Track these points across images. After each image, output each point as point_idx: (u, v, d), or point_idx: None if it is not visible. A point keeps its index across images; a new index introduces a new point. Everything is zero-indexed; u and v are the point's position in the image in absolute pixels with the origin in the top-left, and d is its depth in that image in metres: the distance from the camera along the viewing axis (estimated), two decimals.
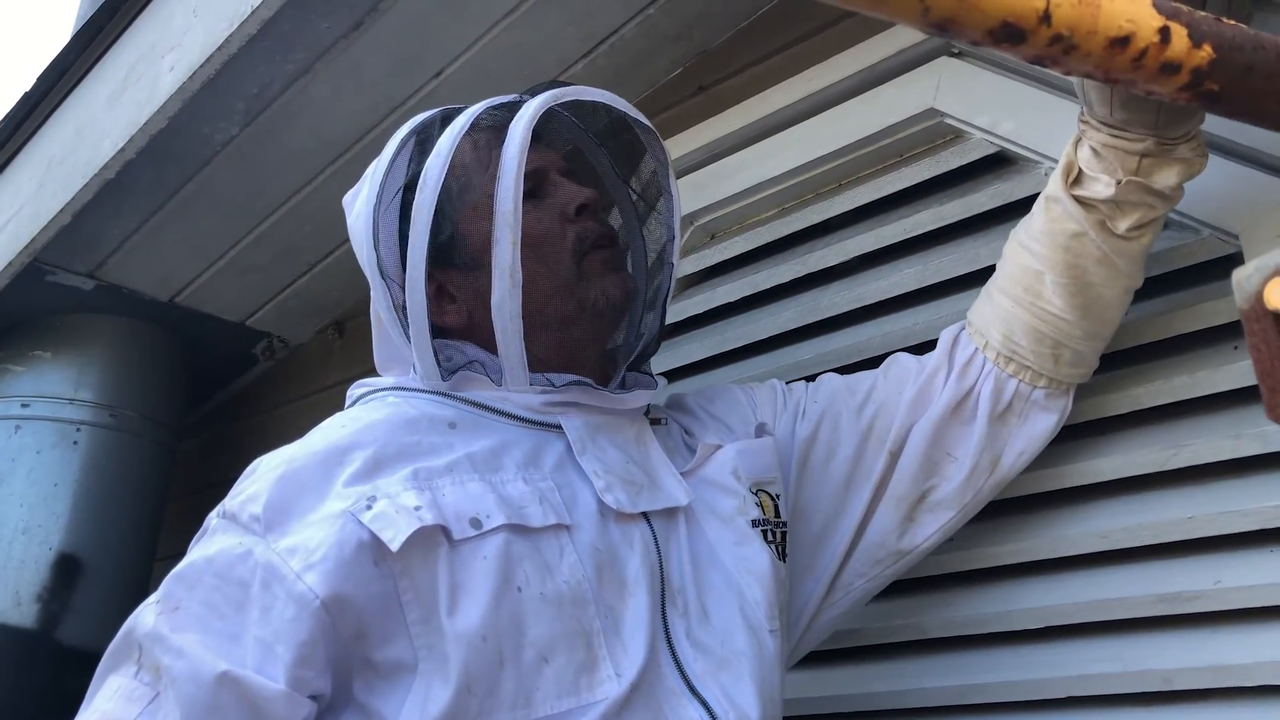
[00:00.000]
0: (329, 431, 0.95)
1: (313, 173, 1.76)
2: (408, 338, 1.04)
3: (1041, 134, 1.26)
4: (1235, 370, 1.03)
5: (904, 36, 1.40)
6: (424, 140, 1.06)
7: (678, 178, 1.57)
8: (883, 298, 1.38)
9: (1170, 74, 0.43)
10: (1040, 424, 1.08)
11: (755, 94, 1.55)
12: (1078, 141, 1.00)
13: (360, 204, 1.08)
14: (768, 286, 1.50)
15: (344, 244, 1.93)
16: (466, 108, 1.07)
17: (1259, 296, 0.44)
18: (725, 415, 1.17)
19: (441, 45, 1.60)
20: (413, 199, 1.01)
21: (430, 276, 1.03)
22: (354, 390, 1.09)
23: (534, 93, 1.08)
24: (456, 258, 1.04)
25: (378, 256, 1.04)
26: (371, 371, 1.87)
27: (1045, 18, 0.40)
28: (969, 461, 1.09)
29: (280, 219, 1.86)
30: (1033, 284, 1.04)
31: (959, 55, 1.38)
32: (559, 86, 1.08)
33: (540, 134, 1.04)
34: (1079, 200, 0.99)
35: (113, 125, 1.64)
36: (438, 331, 1.04)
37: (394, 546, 0.83)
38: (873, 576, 1.13)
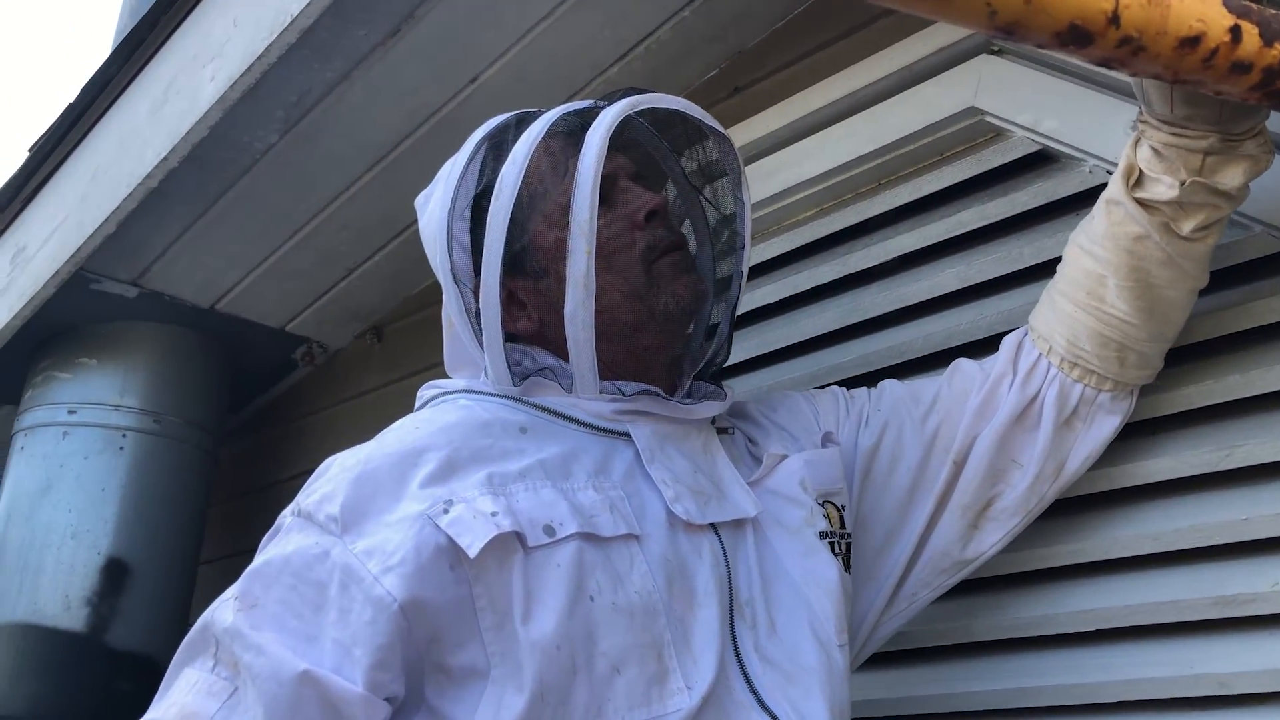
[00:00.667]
0: (403, 432, 0.95)
1: (351, 179, 1.77)
2: (479, 342, 1.04)
3: (1085, 131, 1.24)
4: None
5: (943, 35, 1.39)
6: (498, 145, 1.05)
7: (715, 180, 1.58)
8: (924, 298, 1.37)
9: (1241, 73, 0.42)
10: (1105, 427, 1.07)
11: (792, 94, 1.54)
12: (1137, 142, 0.97)
13: (434, 207, 1.08)
14: (808, 287, 1.50)
15: (382, 248, 1.95)
16: (541, 111, 1.07)
17: None
18: (789, 423, 1.16)
19: (477, 51, 1.61)
20: (487, 205, 1.00)
21: (502, 283, 1.02)
22: (424, 391, 1.09)
23: (609, 99, 1.07)
24: (528, 265, 1.04)
25: (451, 261, 1.04)
26: (411, 375, 1.89)
27: (1114, 19, 0.40)
28: (1034, 468, 1.07)
29: (319, 225, 1.87)
30: (1095, 288, 1.03)
31: (999, 53, 1.36)
32: (635, 93, 1.07)
33: (613, 139, 1.03)
34: (1141, 203, 0.97)
35: (155, 135, 1.66)
36: (508, 337, 1.04)
37: (472, 553, 0.83)
38: (937, 586, 1.12)
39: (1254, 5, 0.42)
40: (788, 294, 1.52)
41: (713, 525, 0.99)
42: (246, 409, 2.31)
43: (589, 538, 0.89)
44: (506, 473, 0.91)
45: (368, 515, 0.86)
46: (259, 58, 1.47)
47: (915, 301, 1.37)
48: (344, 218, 1.84)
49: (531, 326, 1.05)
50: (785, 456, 1.08)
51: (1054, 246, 1.25)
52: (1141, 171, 0.96)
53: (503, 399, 1.02)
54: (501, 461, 0.92)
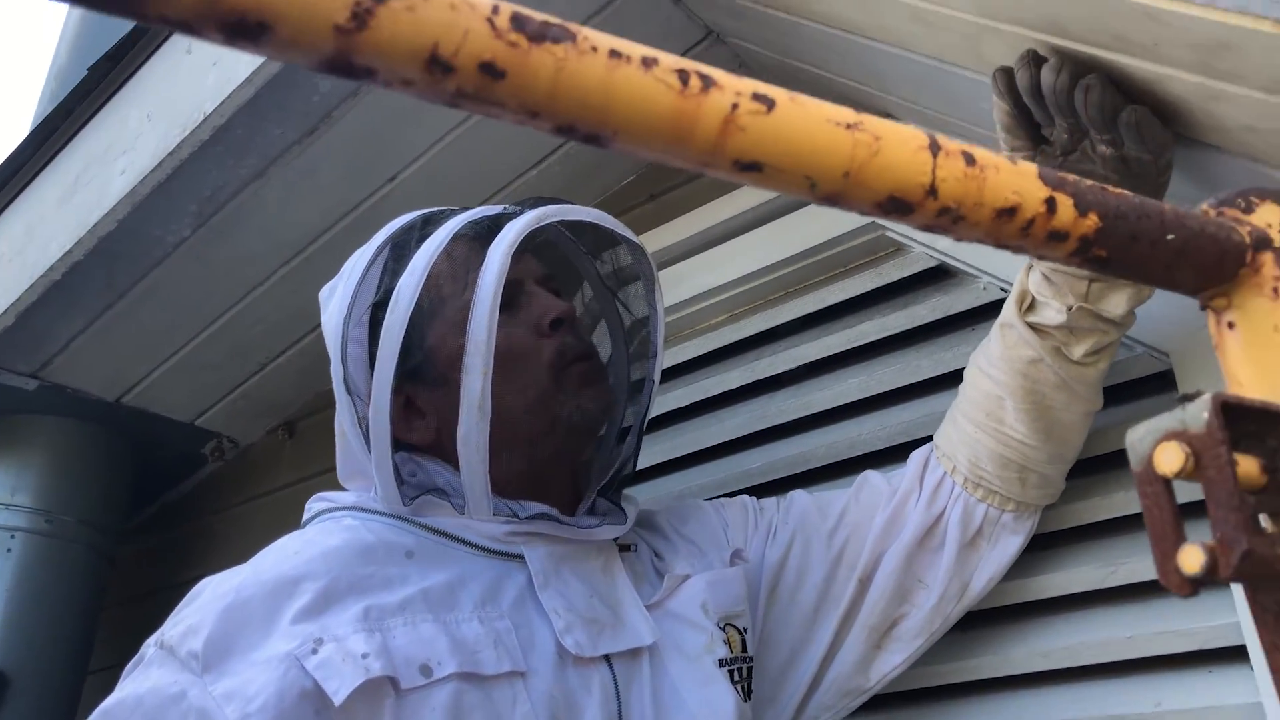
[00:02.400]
0: (281, 557, 0.91)
1: (265, 274, 1.75)
2: (371, 456, 1.00)
3: (977, 249, 1.28)
4: None
5: None
6: (401, 248, 1.03)
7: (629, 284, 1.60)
8: (828, 406, 1.38)
9: (1058, 241, 0.44)
10: (1009, 547, 1.07)
11: (705, 203, 1.57)
12: (1030, 268, 1.00)
13: (331, 310, 1.06)
14: (717, 392, 1.51)
15: (296, 343, 1.92)
16: (450, 212, 1.05)
17: (1149, 460, 0.44)
18: (697, 536, 1.14)
19: (396, 151, 1.62)
20: (383, 316, 0.98)
21: (399, 390, 1.00)
22: (312, 504, 1.06)
23: (522, 205, 1.06)
24: (428, 373, 1.01)
25: (344, 371, 1.01)
26: (323, 474, 1.85)
27: (932, 191, 0.41)
28: (939, 588, 1.07)
29: (232, 319, 1.84)
30: (994, 409, 1.04)
31: None
32: (546, 202, 1.05)
33: (523, 243, 1.02)
34: (1033, 327, 0.99)
35: (61, 226, 1.64)
36: (404, 446, 1.01)
37: (338, 700, 0.80)
38: (838, 709, 1.10)
39: (1070, 177, 0.44)
40: (698, 398, 1.52)
41: (606, 656, 0.95)
42: (152, 506, 2.24)
43: (469, 677, 0.86)
44: (385, 605, 0.88)
45: (233, 652, 0.82)
46: (170, 153, 1.46)
47: (819, 410, 1.39)
48: (257, 312, 1.81)
49: (428, 437, 1.02)
50: (688, 577, 1.06)
51: (951, 359, 1.28)
52: (1033, 296, 0.99)
53: (391, 518, 0.98)
54: (381, 592, 0.89)
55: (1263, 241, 0.48)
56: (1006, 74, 0.90)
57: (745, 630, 1.06)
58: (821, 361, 1.42)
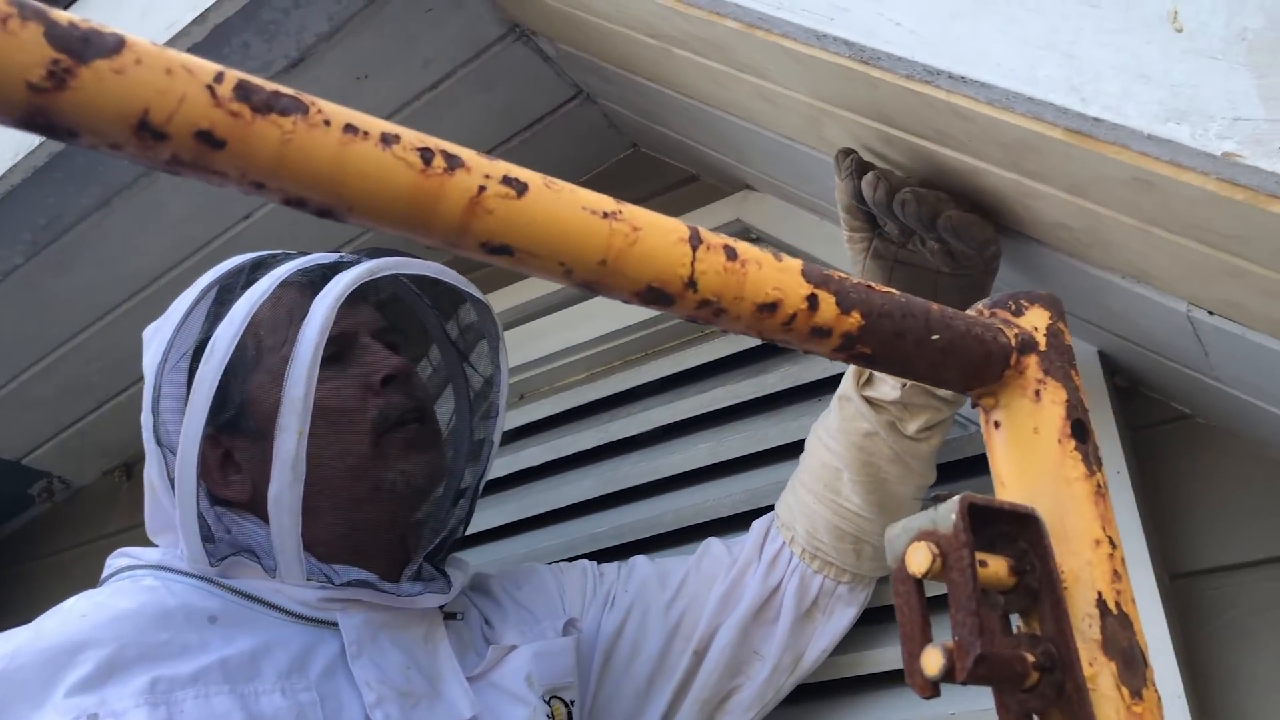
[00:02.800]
0: (66, 620, 0.85)
1: (106, 308, 1.67)
2: (176, 511, 0.94)
3: None
4: None
5: (707, 218, 1.45)
6: (226, 293, 0.98)
7: None
8: (678, 471, 1.38)
9: (822, 337, 0.44)
10: (843, 619, 1.08)
11: None
12: None
13: (149, 355, 1.00)
14: (570, 453, 1.49)
15: (135, 384, 1.84)
16: (282, 258, 1.00)
17: (902, 558, 0.44)
18: (531, 603, 1.11)
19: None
20: (197, 365, 0.92)
21: (216, 441, 0.96)
22: (113, 560, 0.99)
23: (360, 255, 1.02)
24: (247, 426, 0.97)
25: (154, 420, 0.96)
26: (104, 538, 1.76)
27: (691, 284, 0.41)
28: (772, 660, 1.06)
29: (67, 354, 1.75)
30: (832, 481, 1.05)
31: (756, 241, 1.43)
32: (386, 254, 1.02)
33: (362, 293, 0.98)
34: (869, 401, 1.01)
35: None
36: (219, 501, 0.96)
37: None
38: None
39: (835, 274, 0.45)
40: (551, 458, 1.51)
41: None
42: None
43: None
44: (176, 676, 0.83)
45: None
46: (1, 178, 1.39)
47: (670, 474, 1.39)
48: (95, 348, 1.73)
49: (245, 493, 0.97)
50: (514, 648, 1.03)
51: (797, 429, 1.29)
52: (870, 371, 1.01)
53: (196, 580, 0.93)
54: (175, 662, 0.84)
55: (1028, 345, 0.50)
56: (842, 160, 0.92)
57: (572, 703, 1.03)
58: (674, 425, 1.42)
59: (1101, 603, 0.44)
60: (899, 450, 1.01)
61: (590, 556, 1.38)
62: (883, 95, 0.78)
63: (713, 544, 1.16)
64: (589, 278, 0.39)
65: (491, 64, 1.46)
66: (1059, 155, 0.66)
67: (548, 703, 1.01)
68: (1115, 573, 0.45)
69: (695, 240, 0.41)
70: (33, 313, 1.65)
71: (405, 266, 1.01)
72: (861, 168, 0.89)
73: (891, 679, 1.13)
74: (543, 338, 1.57)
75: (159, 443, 0.95)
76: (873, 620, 1.14)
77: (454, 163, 0.36)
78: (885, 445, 1.01)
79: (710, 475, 1.37)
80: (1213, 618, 1.00)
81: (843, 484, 1.04)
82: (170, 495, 0.95)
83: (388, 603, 0.96)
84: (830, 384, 1.30)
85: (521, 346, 1.57)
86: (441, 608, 1.02)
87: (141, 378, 1.83)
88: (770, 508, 1.25)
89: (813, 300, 0.43)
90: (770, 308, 0.42)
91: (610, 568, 1.19)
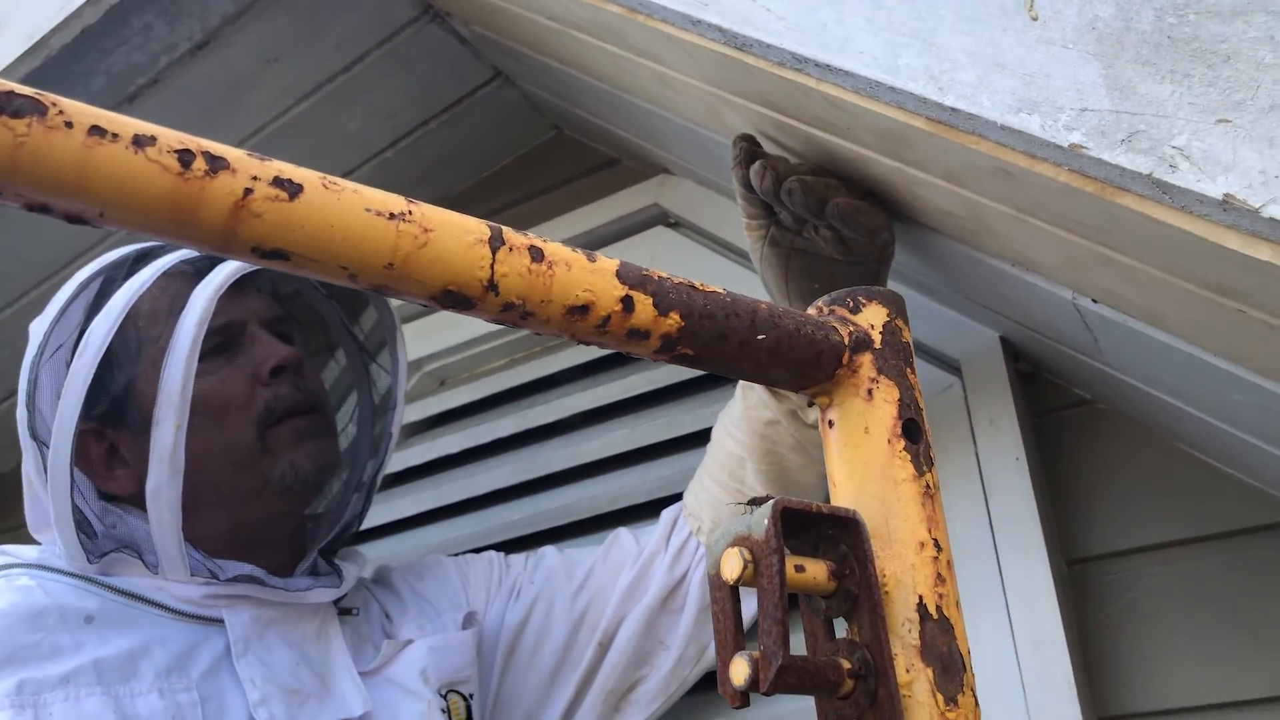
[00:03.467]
0: None
1: (11, 297, 1.63)
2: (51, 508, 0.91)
3: None
4: None
5: (624, 204, 1.44)
6: (109, 285, 0.94)
7: (411, 321, 1.55)
8: (596, 458, 1.37)
9: (640, 339, 0.43)
10: (749, 608, 1.07)
11: None
12: None
13: (28, 351, 0.97)
14: (489, 440, 1.48)
15: None
16: (170, 248, 0.97)
17: (718, 564, 0.43)
18: (432, 594, 1.10)
19: None
20: (72, 358, 0.89)
21: (101, 435, 0.94)
22: None
23: None
24: (131, 419, 0.94)
25: (29, 415, 0.93)
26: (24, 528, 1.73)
27: (491, 286, 0.39)
28: (677, 650, 1.05)
29: None
30: (736, 469, 1.04)
31: (675, 225, 1.42)
32: None
33: (248, 278, 0.96)
34: (771, 390, 1.00)
35: None
36: (106, 495, 0.94)
37: None
38: None
39: (655, 275, 0.43)
40: (470, 444, 1.49)
41: None
42: None
43: None
44: (45, 678, 0.80)
45: None
46: None
47: (587, 461, 1.38)
48: (3, 336, 1.68)
49: (131, 487, 0.95)
50: (410, 642, 1.01)
51: (711, 416, 1.28)
52: None
53: (74, 578, 0.90)
54: (44, 663, 0.81)
55: (862, 342, 0.49)
56: (735, 148, 0.91)
57: (470, 696, 1.02)
58: (592, 412, 1.41)
59: (922, 607, 0.44)
60: (800, 438, 1.00)
61: (506, 544, 1.37)
62: (762, 82, 0.77)
63: (621, 534, 1.15)
64: (376, 282, 0.38)
65: (406, 46, 1.43)
66: (927, 144, 0.66)
67: (444, 697, 1.00)
68: (939, 576, 0.45)
69: (497, 241, 0.40)
70: None
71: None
72: (750, 156, 0.88)
73: None
74: (464, 323, 1.55)
75: (34, 437, 0.93)
76: None
77: (217, 164, 0.35)
78: (787, 434, 1.00)
79: (627, 462, 1.36)
80: (1109, 602, 1.01)
81: (746, 473, 1.04)
82: (46, 491, 0.92)
83: (276, 598, 0.94)
84: None
85: (439, 332, 1.55)
86: (336, 603, 1.01)
87: None
88: (682, 494, 1.25)
89: (628, 302, 0.42)
90: (582, 310, 0.41)
91: (518, 559, 1.18)
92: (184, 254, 0.96)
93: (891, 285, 1.01)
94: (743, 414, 1.03)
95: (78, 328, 0.94)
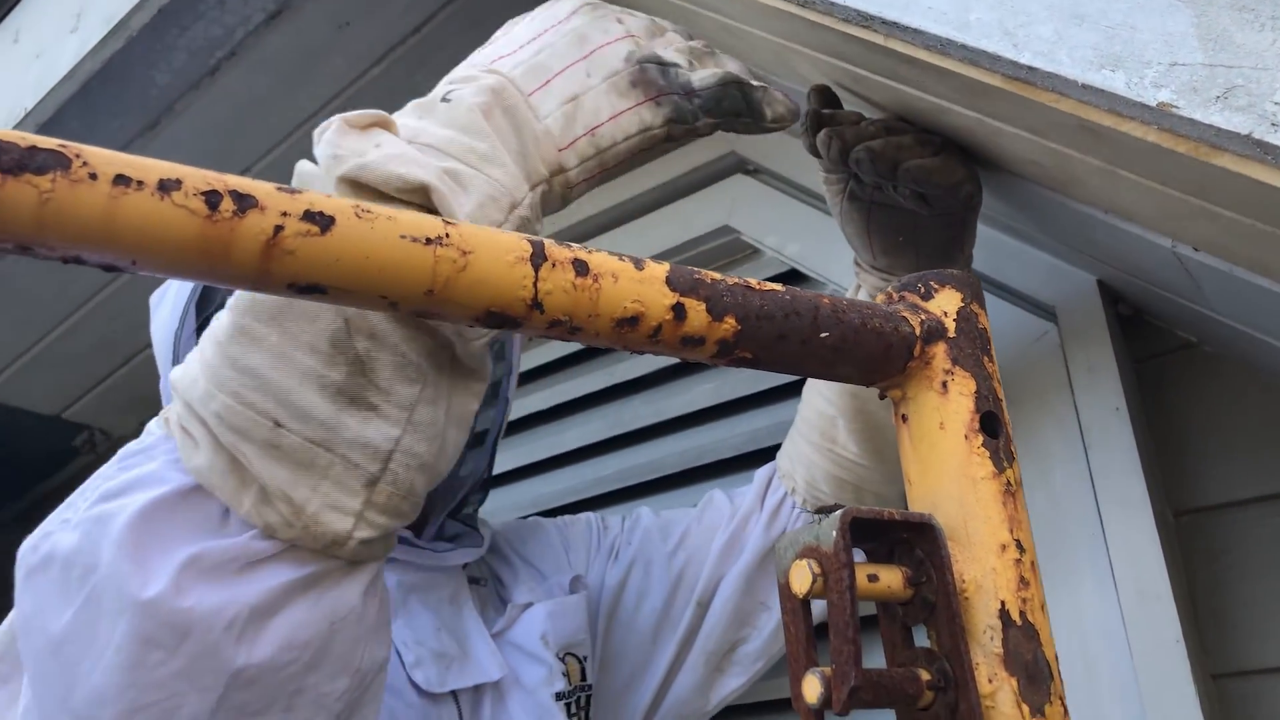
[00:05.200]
0: None
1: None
2: None
3: (825, 257, 1.26)
4: None
5: (699, 153, 1.40)
6: None
7: None
8: (681, 413, 1.36)
9: (695, 345, 0.41)
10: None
11: None
12: (857, 287, 0.99)
13: (161, 319, 0.96)
14: (575, 396, 1.48)
15: None
16: None
17: (787, 576, 0.42)
18: (537, 559, 1.10)
19: (247, 143, 1.56)
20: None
21: None
22: None
23: None
24: None
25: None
26: None
27: (536, 305, 0.38)
28: (779, 611, 1.05)
29: (90, 313, 1.78)
30: (828, 429, 1.01)
31: (754, 173, 1.38)
32: None
33: None
34: None
35: None
36: None
37: None
38: None
39: (706, 279, 0.42)
40: (556, 402, 1.50)
41: (453, 691, 0.90)
42: (21, 500, 2.17)
43: None
44: None
45: None
46: None
47: (673, 416, 1.37)
48: (114, 308, 1.75)
49: None
50: (529, 606, 1.01)
51: None
52: None
53: None
54: None
55: (935, 332, 0.46)
56: (809, 101, 0.88)
57: (585, 659, 1.03)
58: (678, 367, 1.40)
59: (1005, 613, 0.42)
60: None
61: (595, 500, 1.38)
62: (829, 37, 0.73)
63: (715, 495, 1.14)
64: (418, 308, 0.37)
65: (473, 3, 1.41)
66: (1006, 100, 0.61)
67: (562, 660, 1.01)
68: (1023, 579, 0.42)
69: (539, 258, 0.39)
70: (48, 277, 1.67)
71: None
72: (817, 123, 0.84)
73: None
74: None
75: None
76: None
77: (245, 204, 0.34)
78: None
79: (714, 416, 1.35)
80: (1219, 556, 0.96)
81: (839, 432, 1.01)
82: None
83: (420, 560, 0.94)
84: None
85: None
86: (465, 567, 1.02)
87: None
88: (773, 449, 1.23)
89: (679, 309, 0.40)
90: (631, 322, 0.40)
91: (614, 520, 1.18)
92: None
93: (981, 230, 0.96)
94: None
95: (215, 299, 0.93)
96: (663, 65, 0.67)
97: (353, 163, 0.52)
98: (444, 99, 0.60)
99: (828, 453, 1.02)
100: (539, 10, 0.70)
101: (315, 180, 0.55)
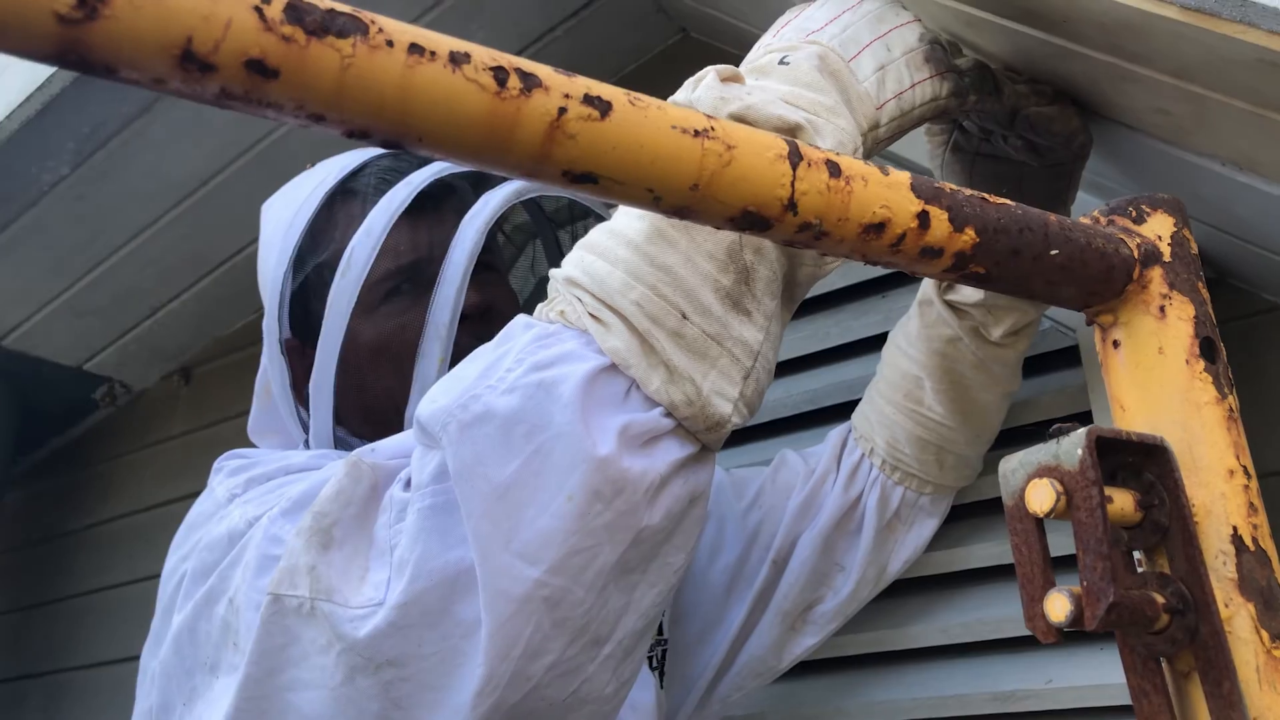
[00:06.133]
0: None
1: (154, 215, 1.66)
2: (300, 420, 0.95)
3: None
4: None
5: None
6: (350, 195, 0.95)
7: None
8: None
9: (932, 258, 0.40)
10: (925, 529, 1.05)
11: None
12: None
13: (271, 259, 0.97)
14: None
15: (190, 288, 1.84)
16: (406, 163, 0.95)
17: (1021, 496, 0.41)
18: None
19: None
20: (329, 274, 0.90)
21: (304, 354, 0.95)
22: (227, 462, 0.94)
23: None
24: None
25: (279, 329, 0.95)
26: (220, 422, 1.78)
27: (791, 205, 0.37)
28: (856, 573, 1.03)
29: (120, 261, 1.75)
30: (913, 390, 1.01)
31: None
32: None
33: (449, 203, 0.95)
34: (951, 305, 0.96)
35: None
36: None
37: None
38: (750, 690, 1.07)
39: (947, 188, 0.40)
40: None
41: None
42: (40, 450, 2.15)
43: None
44: None
45: None
46: (40, 88, 1.36)
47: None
48: (147, 255, 1.72)
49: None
50: None
51: (860, 328, 1.25)
52: None
53: None
54: None
55: (1151, 255, 0.45)
56: None
57: (664, 612, 1.02)
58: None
59: (1237, 538, 0.41)
60: (983, 356, 0.96)
61: None
62: None
63: (788, 455, 1.13)
64: (680, 203, 0.35)
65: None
66: (1169, 36, 0.60)
67: None
68: (1251, 505, 0.42)
69: (795, 157, 0.37)
70: (82, 222, 1.64)
71: (548, 190, 0.97)
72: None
73: (959, 580, 1.12)
74: None
75: (284, 351, 0.94)
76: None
77: (531, 82, 0.32)
78: (969, 351, 0.96)
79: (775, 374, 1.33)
80: None
81: (925, 393, 1.00)
82: (289, 400, 0.96)
83: None
84: (893, 279, 1.26)
85: None
86: None
87: (193, 284, 1.83)
88: (833, 409, 1.22)
89: (924, 217, 0.39)
90: (878, 228, 0.38)
91: None
92: (432, 172, 0.94)
93: None
94: (920, 332, 0.99)
95: (327, 246, 0.94)
96: (943, 47, 0.77)
97: (739, 103, 0.60)
98: (781, 61, 0.68)
99: (912, 413, 1.01)
100: None
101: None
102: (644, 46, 1.57)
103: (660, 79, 1.55)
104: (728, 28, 1.40)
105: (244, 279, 1.81)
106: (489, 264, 1.01)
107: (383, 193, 0.91)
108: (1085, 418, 1.06)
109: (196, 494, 0.88)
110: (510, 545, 0.58)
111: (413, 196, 0.91)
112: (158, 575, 0.84)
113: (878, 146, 0.72)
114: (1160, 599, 0.40)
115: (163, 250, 1.74)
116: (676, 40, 1.56)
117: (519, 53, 1.53)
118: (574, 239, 1.17)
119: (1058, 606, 0.38)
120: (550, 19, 1.50)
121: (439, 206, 0.95)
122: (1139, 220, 0.46)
